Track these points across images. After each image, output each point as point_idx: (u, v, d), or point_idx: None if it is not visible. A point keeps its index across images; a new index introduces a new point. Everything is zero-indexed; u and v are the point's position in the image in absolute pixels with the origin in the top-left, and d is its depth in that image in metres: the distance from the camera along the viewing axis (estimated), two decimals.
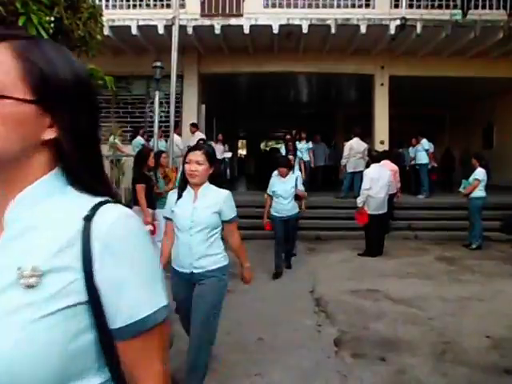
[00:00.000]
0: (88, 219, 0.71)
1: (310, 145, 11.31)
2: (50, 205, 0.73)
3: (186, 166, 2.69)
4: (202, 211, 2.66)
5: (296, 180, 6.21)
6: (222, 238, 2.87)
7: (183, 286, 2.77)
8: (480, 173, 7.68)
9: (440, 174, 12.17)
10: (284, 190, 5.95)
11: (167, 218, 2.84)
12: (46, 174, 0.74)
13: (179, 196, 2.76)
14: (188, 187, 2.75)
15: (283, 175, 5.98)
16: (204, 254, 2.67)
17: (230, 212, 2.75)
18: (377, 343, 3.77)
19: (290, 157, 7.25)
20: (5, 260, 0.68)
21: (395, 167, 8.39)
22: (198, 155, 2.68)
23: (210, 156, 2.73)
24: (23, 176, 0.72)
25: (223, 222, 2.74)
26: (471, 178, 7.73)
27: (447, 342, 3.81)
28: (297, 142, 10.74)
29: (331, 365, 3.37)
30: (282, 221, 6.02)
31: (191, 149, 2.77)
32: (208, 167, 2.70)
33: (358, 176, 9.47)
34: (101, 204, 0.73)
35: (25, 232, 0.70)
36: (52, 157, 0.75)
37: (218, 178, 2.82)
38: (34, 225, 0.71)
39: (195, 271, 2.68)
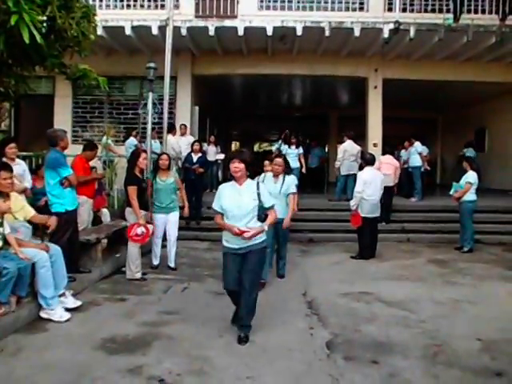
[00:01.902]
0: None
1: (301, 150, 10.82)
2: None
3: None
4: None
5: (282, 183, 5.51)
6: None
7: None
8: (471, 176, 7.71)
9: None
10: (237, 206, 3.71)
11: None
12: None
13: None
14: None
15: (237, 176, 3.72)
16: None
17: None
18: (369, 346, 3.77)
19: (278, 160, 5.60)
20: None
21: (396, 163, 8.99)
22: None
23: None
24: None
25: None
26: (462, 181, 7.75)
27: (439, 344, 3.81)
28: (286, 147, 10.65)
29: (323, 368, 3.36)
30: (236, 255, 3.77)
31: None
32: None
33: (351, 179, 9.50)
34: None
35: None
36: None
37: None
38: None
39: None
